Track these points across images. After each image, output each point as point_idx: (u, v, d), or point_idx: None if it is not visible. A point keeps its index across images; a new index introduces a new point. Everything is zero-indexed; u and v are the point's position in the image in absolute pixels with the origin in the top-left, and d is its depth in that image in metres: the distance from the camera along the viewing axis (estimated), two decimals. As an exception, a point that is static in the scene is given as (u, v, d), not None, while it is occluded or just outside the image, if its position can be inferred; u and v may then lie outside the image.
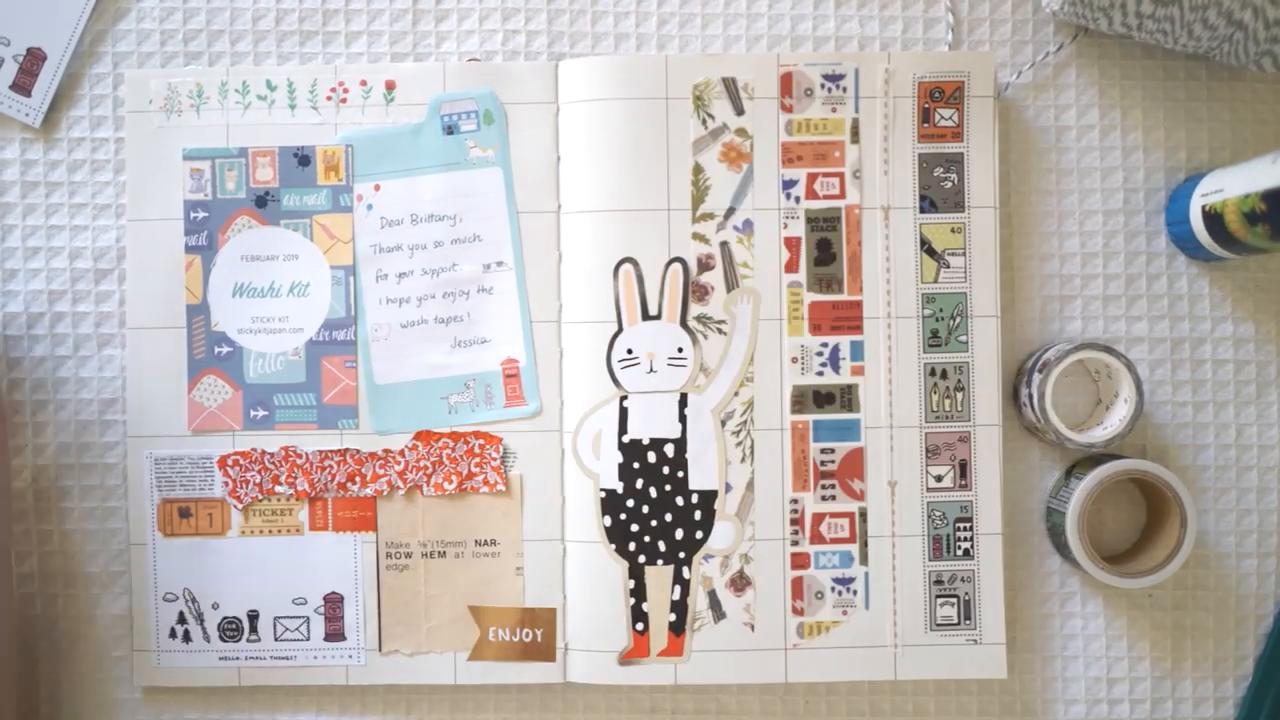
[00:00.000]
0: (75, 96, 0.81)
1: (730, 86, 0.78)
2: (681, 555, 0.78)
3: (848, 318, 0.78)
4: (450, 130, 0.79)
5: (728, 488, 0.78)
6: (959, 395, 0.78)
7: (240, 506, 0.79)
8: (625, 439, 0.78)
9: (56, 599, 0.80)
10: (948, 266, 0.78)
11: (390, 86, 0.80)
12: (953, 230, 0.78)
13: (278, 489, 0.79)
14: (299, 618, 0.79)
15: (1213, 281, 0.81)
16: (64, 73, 0.80)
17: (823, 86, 0.78)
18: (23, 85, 0.80)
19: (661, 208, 0.78)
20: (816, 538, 0.78)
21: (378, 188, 0.79)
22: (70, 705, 0.80)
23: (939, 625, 0.78)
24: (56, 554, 0.80)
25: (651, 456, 0.78)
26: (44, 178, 0.81)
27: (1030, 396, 0.77)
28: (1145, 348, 0.81)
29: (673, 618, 0.78)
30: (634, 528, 0.78)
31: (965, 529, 0.78)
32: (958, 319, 0.78)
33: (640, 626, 0.78)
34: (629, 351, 0.78)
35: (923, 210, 0.78)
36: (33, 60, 0.80)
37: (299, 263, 0.80)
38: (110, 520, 0.80)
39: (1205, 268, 0.81)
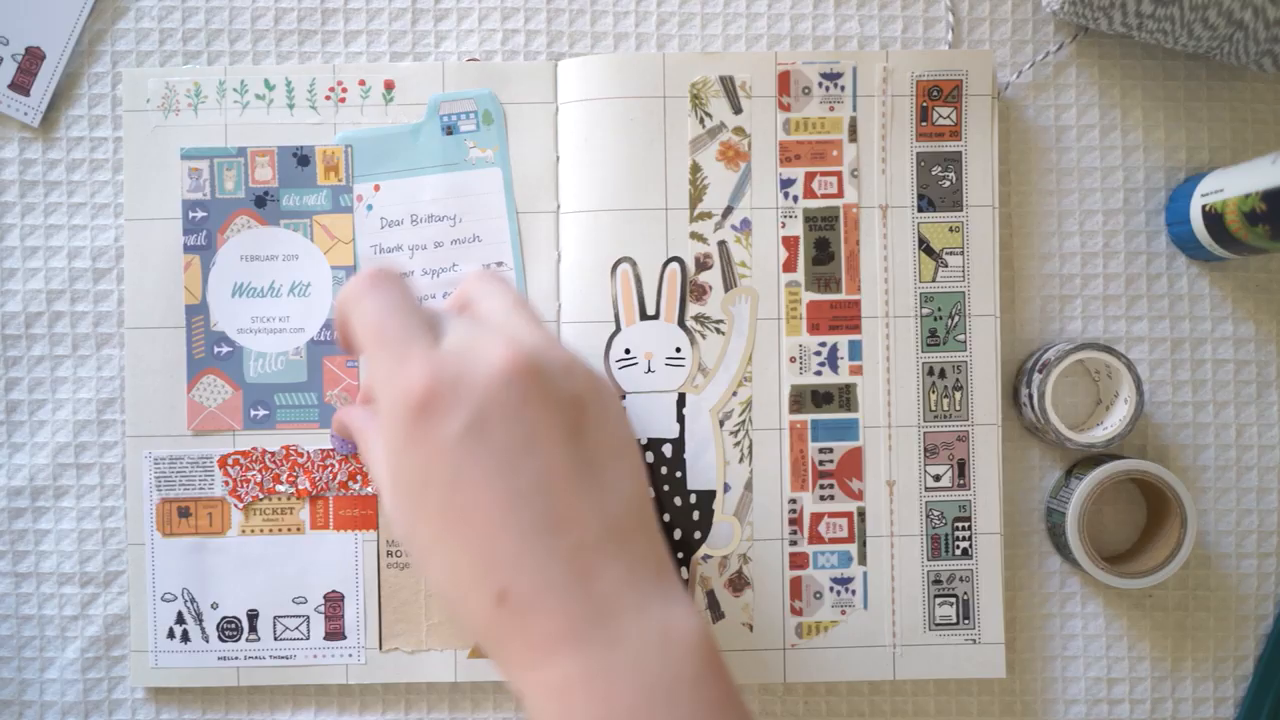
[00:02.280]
0: (74, 96, 0.81)
1: (728, 85, 0.78)
2: (680, 555, 0.78)
3: (846, 317, 0.78)
4: (449, 130, 0.79)
5: (726, 488, 0.78)
6: (957, 395, 0.78)
7: (240, 506, 0.79)
8: (624, 439, 0.78)
9: (54, 598, 0.80)
10: (946, 265, 0.78)
11: (389, 86, 0.80)
12: (951, 229, 0.78)
13: (279, 488, 0.79)
14: (299, 617, 0.79)
15: (1213, 281, 0.81)
16: (63, 72, 0.80)
17: (820, 85, 0.78)
18: (21, 84, 0.80)
19: (659, 207, 0.78)
20: (815, 538, 0.78)
21: (377, 188, 0.79)
22: (68, 706, 0.80)
23: (938, 625, 0.78)
24: (55, 553, 0.80)
25: (650, 457, 0.78)
26: (42, 177, 0.81)
27: (1030, 396, 0.77)
28: (1145, 348, 0.81)
29: (671, 618, 0.78)
30: (633, 527, 0.78)
31: (964, 528, 0.78)
32: (956, 318, 0.78)
33: (639, 626, 0.78)
34: (627, 351, 0.78)
35: (921, 209, 0.78)
36: (31, 59, 0.80)
37: (299, 263, 0.80)
38: (109, 520, 0.80)
39: (1205, 268, 0.81)
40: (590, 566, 0.53)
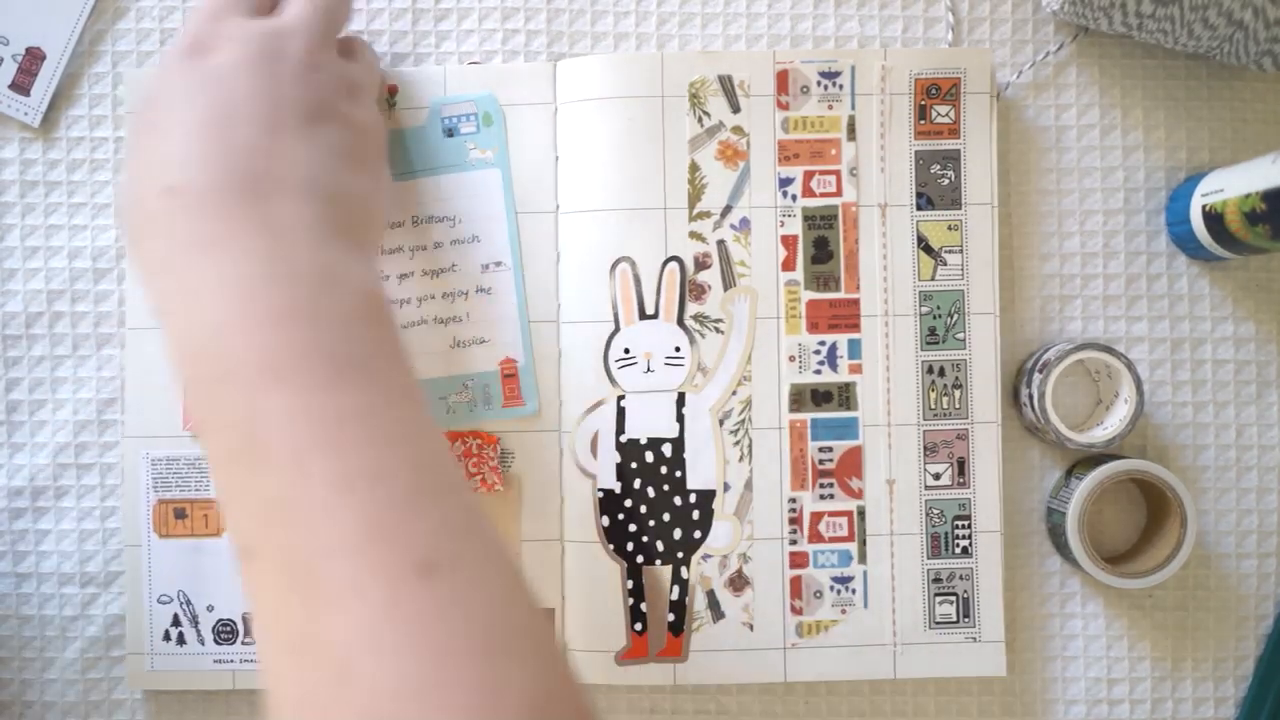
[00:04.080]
0: (74, 96, 0.81)
1: (726, 84, 0.78)
2: (680, 555, 0.78)
3: (845, 316, 0.78)
4: (450, 133, 0.79)
5: (726, 487, 0.78)
6: (957, 393, 0.78)
7: (239, 507, 0.79)
8: (623, 439, 0.78)
9: (54, 599, 0.80)
10: (944, 264, 0.78)
11: (392, 92, 0.80)
12: (949, 227, 0.78)
13: (276, 489, 0.79)
14: (298, 619, 0.79)
15: (1213, 281, 0.81)
16: (63, 72, 0.80)
17: (819, 84, 0.78)
18: (22, 85, 0.80)
19: (658, 206, 0.78)
20: (815, 537, 0.78)
21: (377, 188, 0.79)
22: (68, 706, 0.80)
23: (938, 623, 0.78)
24: (55, 553, 0.80)
25: (649, 456, 0.78)
26: (43, 177, 0.81)
27: (1030, 397, 0.77)
28: (1145, 348, 0.81)
29: (671, 618, 0.78)
30: (632, 528, 0.78)
31: (964, 527, 0.78)
32: (955, 316, 0.78)
33: (639, 627, 0.78)
34: (626, 351, 0.78)
35: (919, 207, 0.78)
36: (32, 59, 0.80)
37: (299, 263, 0.80)
38: (109, 520, 0.80)
39: (1205, 268, 0.81)
40: (270, 193, 0.57)
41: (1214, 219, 0.76)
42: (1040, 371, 0.76)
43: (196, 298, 0.53)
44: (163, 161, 0.57)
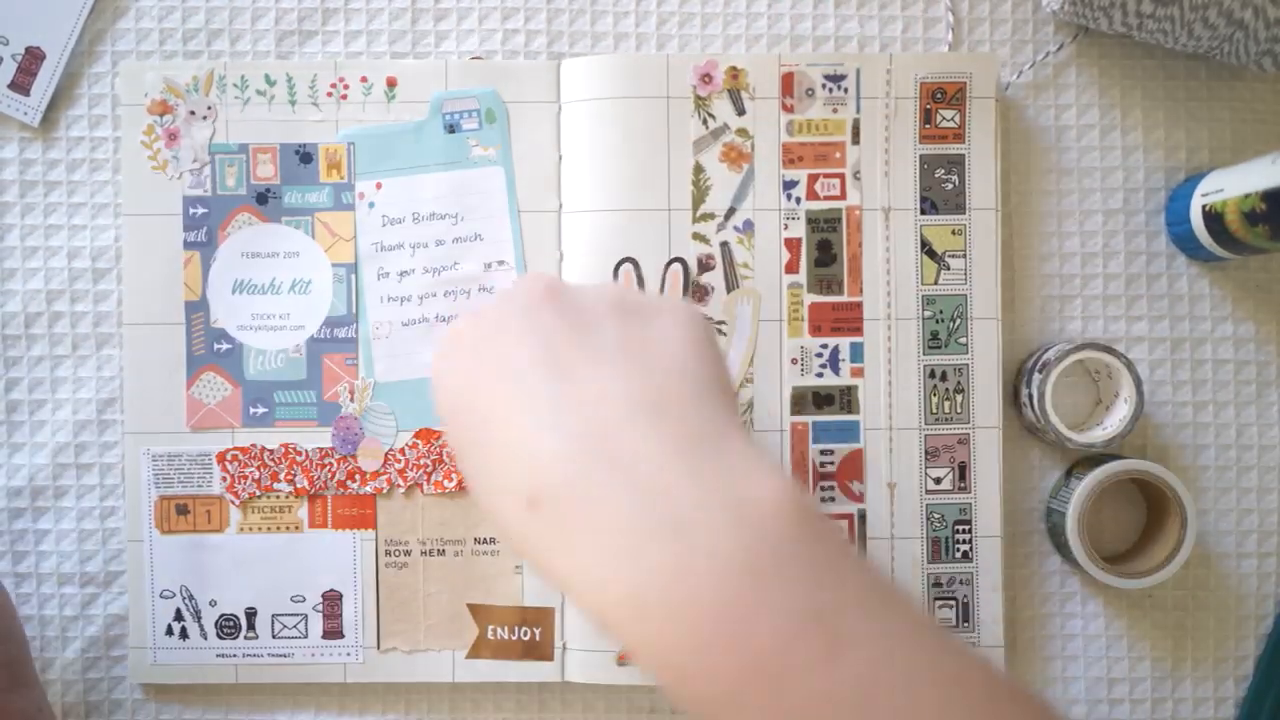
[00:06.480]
0: (74, 95, 0.81)
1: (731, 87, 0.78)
2: (681, 555, 0.78)
3: (848, 319, 0.78)
4: (452, 129, 0.79)
5: (727, 488, 0.78)
6: (958, 397, 0.78)
7: (238, 502, 0.79)
8: (625, 439, 0.78)
9: (54, 599, 0.80)
10: (948, 268, 0.78)
11: (391, 84, 0.79)
12: (953, 232, 0.78)
13: (276, 486, 0.79)
14: (297, 615, 0.79)
15: (1213, 281, 0.81)
16: (63, 72, 0.80)
17: (824, 87, 0.78)
18: (21, 84, 0.80)
19: (662, 208, 0.78)
20: (816, 538, 0.78)
21: (379, 186, 0.79)
22: (68, 706, 0.80)
23: (938, 626, 0.78)
24: (55, 554, 0.80)
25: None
26: (42, 177, 0.80)
27: (1030, 397, 0.77)
28: (1145, 348, 0.81)
29: (672, 618, 0.78)
30: (633, 527, 0.78)
31: (964, 531, 0.78)
32: (958, 321, 0.78)
33: (639, 626, 0.78)
34: (629, 352, 0.78)
35: (923, 212, 0.78)
36: (31, 59, 0.80)
37: (300, 260, 0.79)
38: (109, 520, 0.80)
39: (1205, 268, 0.81)
40: (620, 446, 0.47)
41: (1214, 219, 0.76)
42: (1040, 371, 0.76)
43: (636, 615, 0.44)
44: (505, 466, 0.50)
